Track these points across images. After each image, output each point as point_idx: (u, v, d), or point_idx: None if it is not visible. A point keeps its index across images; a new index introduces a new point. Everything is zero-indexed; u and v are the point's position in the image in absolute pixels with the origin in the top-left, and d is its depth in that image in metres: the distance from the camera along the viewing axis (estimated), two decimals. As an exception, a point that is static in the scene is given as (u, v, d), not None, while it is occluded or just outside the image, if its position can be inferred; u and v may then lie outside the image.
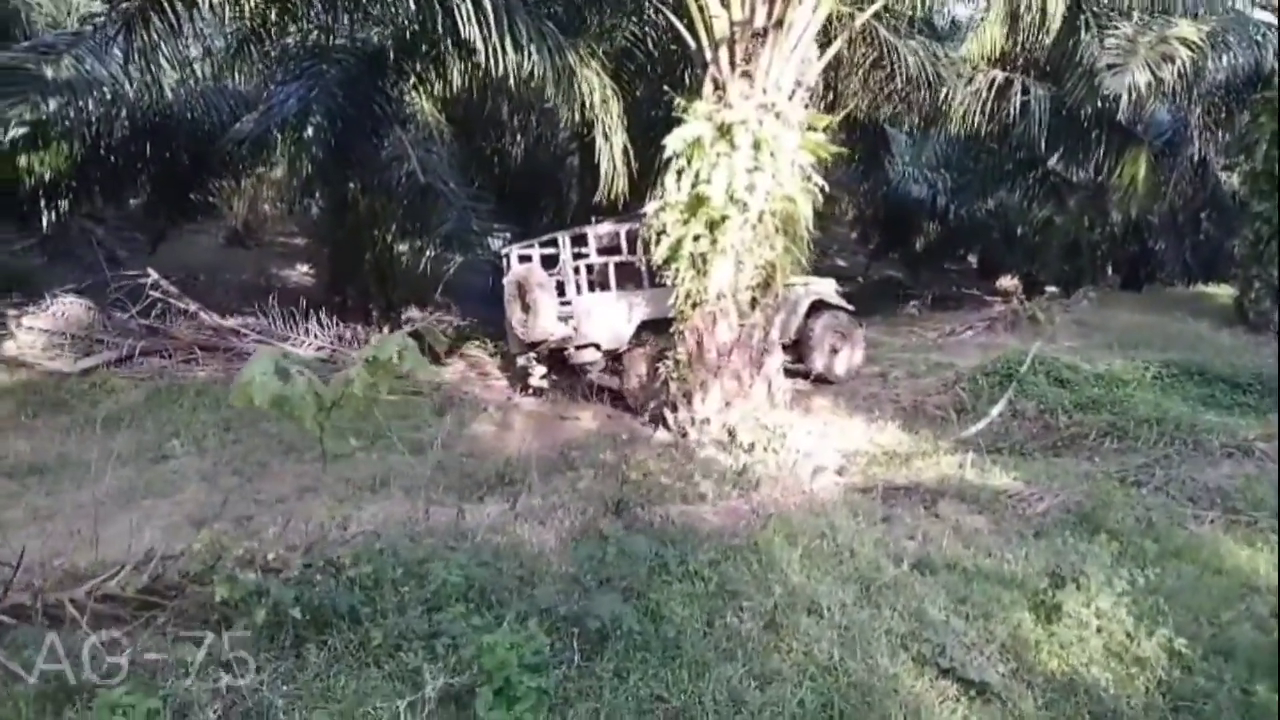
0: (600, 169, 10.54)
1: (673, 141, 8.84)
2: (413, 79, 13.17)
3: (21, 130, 11.28)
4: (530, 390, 11.57)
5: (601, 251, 11.19)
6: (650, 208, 9.45)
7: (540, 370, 11.43)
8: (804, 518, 5.92)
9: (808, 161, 8.98)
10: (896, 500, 6.76)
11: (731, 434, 8.59)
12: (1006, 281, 25.01)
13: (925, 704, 3.79)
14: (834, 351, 12.12)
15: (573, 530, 5.25)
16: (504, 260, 11.81)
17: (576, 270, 10.87)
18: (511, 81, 9.70)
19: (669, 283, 10.63)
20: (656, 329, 10.44)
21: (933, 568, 5.27)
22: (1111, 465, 8.07)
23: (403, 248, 15.59)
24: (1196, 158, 19.23)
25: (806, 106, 9.27)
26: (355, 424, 4.01)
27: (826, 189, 9.17)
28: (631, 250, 11.19)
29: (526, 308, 10.77)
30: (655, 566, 4.66)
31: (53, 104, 11.04)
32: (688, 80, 10.81)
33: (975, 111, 14.34)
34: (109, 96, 12.23)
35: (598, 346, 10.70)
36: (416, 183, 12.97)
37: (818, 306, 12.10)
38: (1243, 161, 18.92)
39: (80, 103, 11.62)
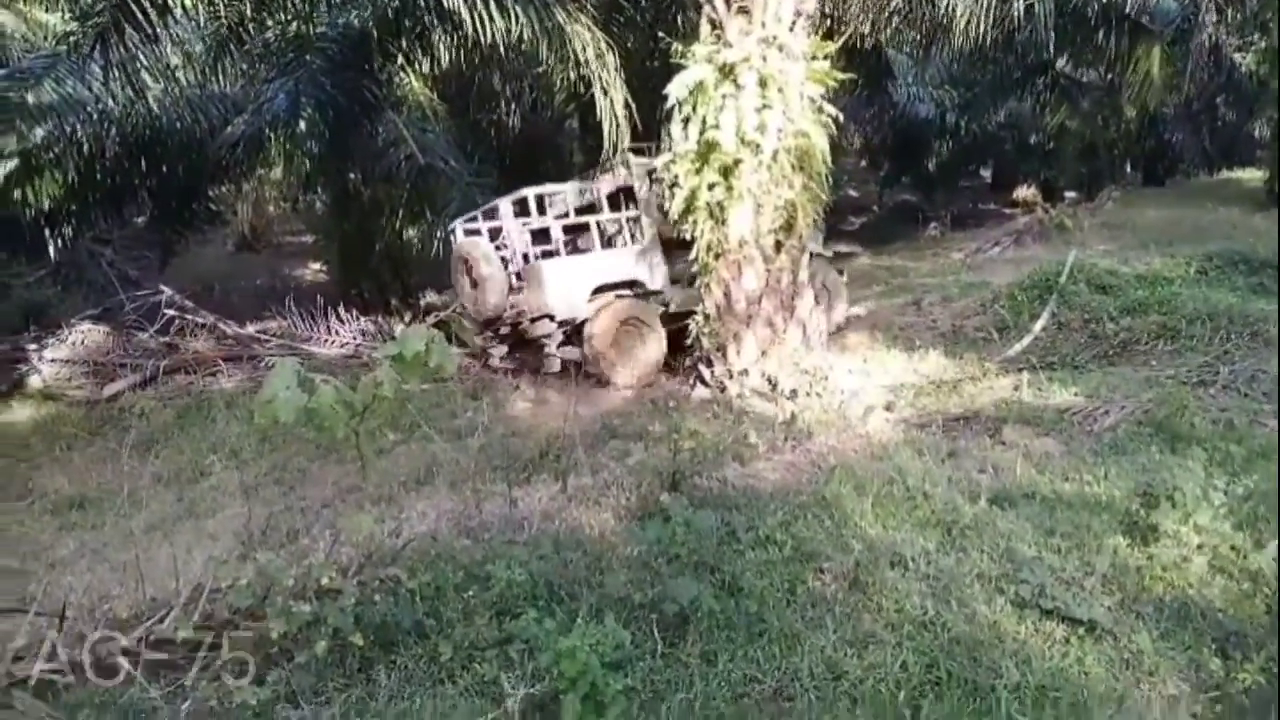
0: (602, 126, 10.21)
1: (675, 88, 8.48)
2: (400, 59, 12.81)
3: (12, 163, 11.07)
4: (495, 370, 10.82)
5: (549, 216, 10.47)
6: (659, 160, 9.12)
7: (500, 350, 10.65)
8: (867, 463, 5.68)
9: (817, 93, 8.61)
10: (958, 432, 6.51)
11: (772, 383, 8.34)
12: (1024, 192, 24.48)
13: (1034, 651, 3.56)
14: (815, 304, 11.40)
15: (630, 508, 5.03)
16: (451, 235, 10.98)
17: (524, 232, 10.22)
18: (502, 48, 9.36)
19: (625, 243, 10.53)
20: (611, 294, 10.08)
21: (1011, 500, 5.03)
22: (1170, 369, 7.78)
23: (412, 232, 15.31)
24: (1209, 43, 18.54)
25: (809, 36, 8.86)
26: (390, 418, 3.76)
27: (840, 117, 8.80)
28: (581, 213, 10.53)
29: (475, 284, 10.05)
30: (724, 536, 4.43)
31: (40, 131, 10.79)
32: (681, 25, 10.41)
33: (979, 20, 13.81)
34: (95, 116, 11.96)
35: (551, 317, 9.85)
36: (417, 164, 12.67)
37: None
38: (1258, 39, 18.33)
39: (67, 126, 11.36)
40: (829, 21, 13.17)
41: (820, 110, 8.58)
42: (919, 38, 15.12)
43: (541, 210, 10.43)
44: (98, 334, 12.00)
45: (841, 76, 8.89)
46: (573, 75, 10.20)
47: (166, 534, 6.05)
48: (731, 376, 8.73)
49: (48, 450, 9.44)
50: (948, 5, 13.28)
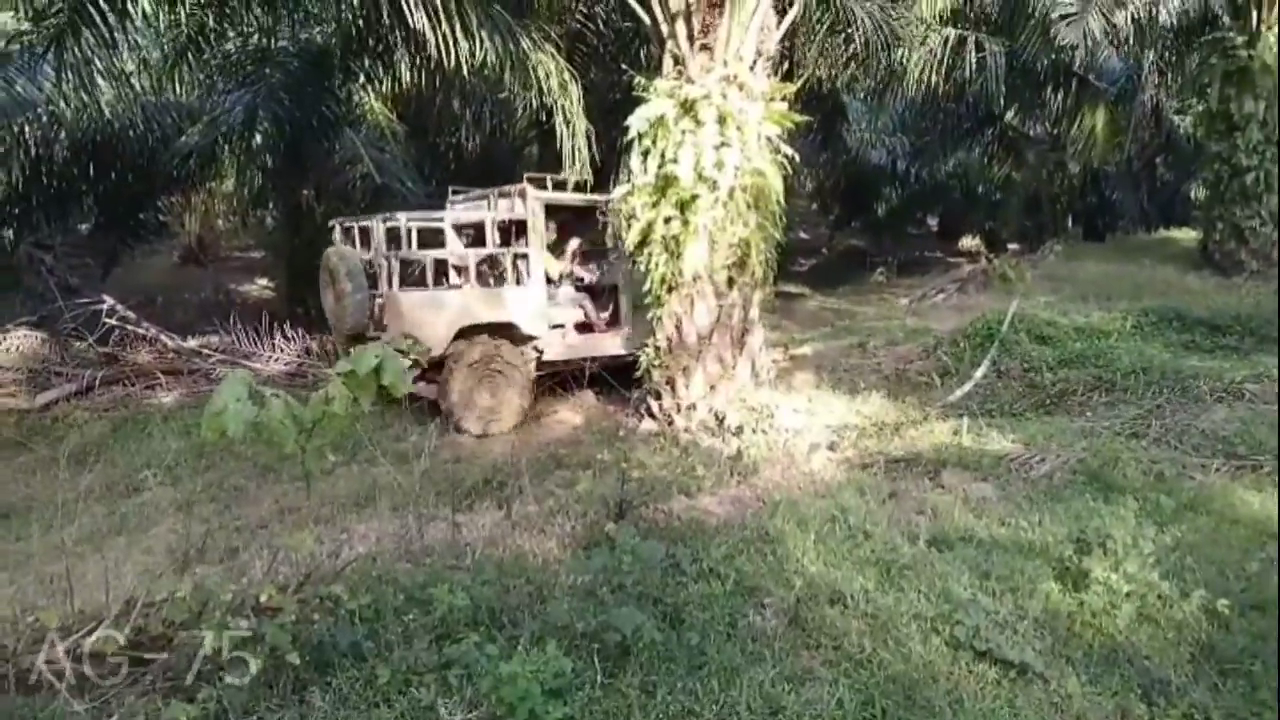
0: (561, 156, 10.28)
1: (636, 121, 8.58)
2: (361, 78, 12.78)
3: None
4: None
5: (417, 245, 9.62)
6: (617, 192, 9.19)
7: None
8: (810, 500, 5.74)
9: (775, 133, 8.77)
10: (898, 474, 6.61)
11: (719, 418, 8.41)
12: (968, 242, 25.07)
13: (967, 691, 3.61)
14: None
15: (575, 536, 5.02)
16: (331, 233, 10.15)
17: (388, 262, 9.19)
18: (465, 71, 9.40)
19: (507, 281, 9.81)
20: (483, 335, 9.44)
21: (949, 543, 5.12)
22: (1104, 420, 7.99)
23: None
24: (1150, 104, 19.27)
25: (769, 77, 9.04)
26: (340, 436, 3.72)
27: (796, 158, 8.97)
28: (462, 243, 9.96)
29: (337, 298, 9.40)
30: (669, 568, 4.44)
31: (-15, 130, 10.59)
32: (644, 59, 10.56)
33: (931, 72, 14.20)
34: (44, 118, 11.74)
35: (404, 353, 9.29)
36: (372, 184, 12.64)
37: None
38: (1196, 103, 19.04)
39: (15, 126, 11.13)
40: (788, 64, 13.49)
41: (777, 150, 8.74)
42: (873, 85, 15.54)
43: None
44: (34, 340, 11.68)
45: (799, 118, 9.06)
46: (535, 103, 10.25)
47: (97, 547, 5.90)
48: (679, 410, 8.77)
49: (-26, 458, 9.16)
50: (902, 55, 13.69)
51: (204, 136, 12.76)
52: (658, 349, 9.00)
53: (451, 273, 9.94)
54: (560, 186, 10.22)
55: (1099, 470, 6.17)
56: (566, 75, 9.75)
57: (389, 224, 9.26)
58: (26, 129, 11.63)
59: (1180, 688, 3.68)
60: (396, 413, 9.29)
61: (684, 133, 8.44)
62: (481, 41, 8.81)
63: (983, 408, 8.80)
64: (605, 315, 10.73)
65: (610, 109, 11.03)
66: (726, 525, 5.24)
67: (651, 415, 9.04)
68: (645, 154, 8.67)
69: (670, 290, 8.78)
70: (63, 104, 11.71)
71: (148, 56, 13.66)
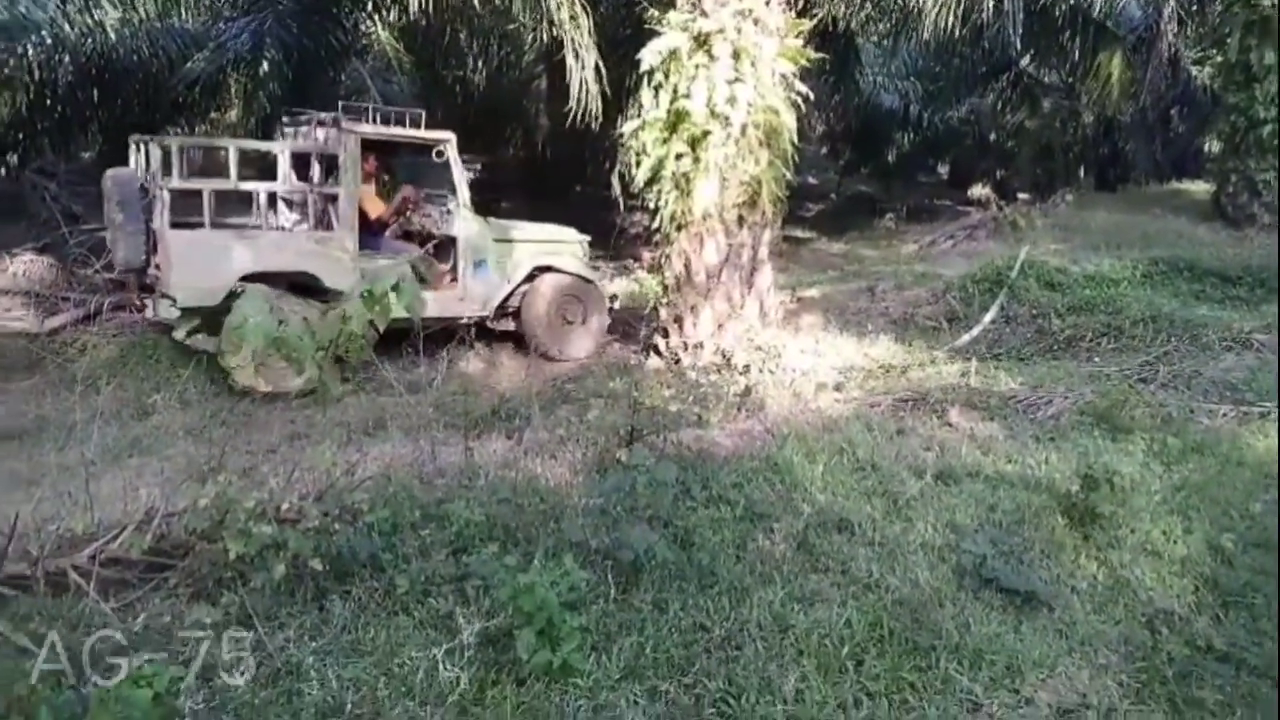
0: (570, 91, 10.14)
1: (648, 55, 8.48)
2: (369, 6, 12.58)
3: (-41, 81, 10.73)
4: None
5: (197, 174, 8.52)
6: (628, 128, 9.11)
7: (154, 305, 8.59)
8: (818, 434, 5.79)
9: (789, 70, 8.67)
10: (905, 412, 6.64)
11: (726, 357, 8.44)
12: (979, 190, 24.84)
13: (973, 616, 3.68)
14: (567, 323, 9.59)
15: (586, 462, 5.08)
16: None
17: (161, 191, 7.80)
18: (476, 1, 9.24)
19: (300, 225, 8.56)
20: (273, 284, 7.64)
21: (956, 478, 5.17)
22: (1112, 365, 8.01)
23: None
24: (1168, 53, 18.94)
25: (784, 12, 8.90)
26: (358, 355, 3.72)
27: (811, 97, 8.88)
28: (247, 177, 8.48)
29: (109, 226, 8.36)
30: (679, 494, 4.50)
31: (-10, 52, 10.47)
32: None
33: (948, 14, 13.94)
34: (49, 41, 11.58)
35: (174, 301, 7.87)
36: (379, 115, 12.47)
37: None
38: (1215, 54, 18.76)
39: (20, 48, 10.98)
40: (802, 1, 13.25)
41: (791, 88, 8.65)
42: (889, 26, 15.28)
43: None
44: (41, 265, 11.63)
45: (814, 55, 8.95)
46: (544, 36, 10.09)
47: (112, 466, 5.96)
48: (686, 349, 8.79)
49: (-17, 380, 9.19)
50: (919, -4, 13.42)
51: (210, 63, 12.58)
52: (665, 287, 9.00)
53: (264, 210, 8.42)
54: (389, 119, 8.96)
55: (1107, 412, 6.19)
56: (578, 6, 9.57)
57: (162, 145, 8.01)
58: (30, 51, 11.46)
59: (1184, 618, 3.75)
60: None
61: (697, 67, 8.35)
62: (493, -31, 8.66)
63: (991, 351, 8.83)
64: (442, 271, 9.27)
65: (621, 43, 10.85)
66: (735, 455, 5.30)
67: (658, 353, 9.07)
68: (657, 89, 8.59)
69: (680, 228, 8.75)
70: (67, 26, 11.54)
71: (154, -21, 13.48)
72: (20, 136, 12.97)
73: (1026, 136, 21.25)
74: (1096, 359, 8.36)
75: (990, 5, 14.13)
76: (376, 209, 9.16)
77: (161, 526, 3.59)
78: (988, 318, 9.66)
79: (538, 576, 3.13)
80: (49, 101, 12.62)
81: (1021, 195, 22.16)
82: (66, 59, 12.47)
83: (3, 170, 13.36)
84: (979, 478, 5.17)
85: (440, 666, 3.13)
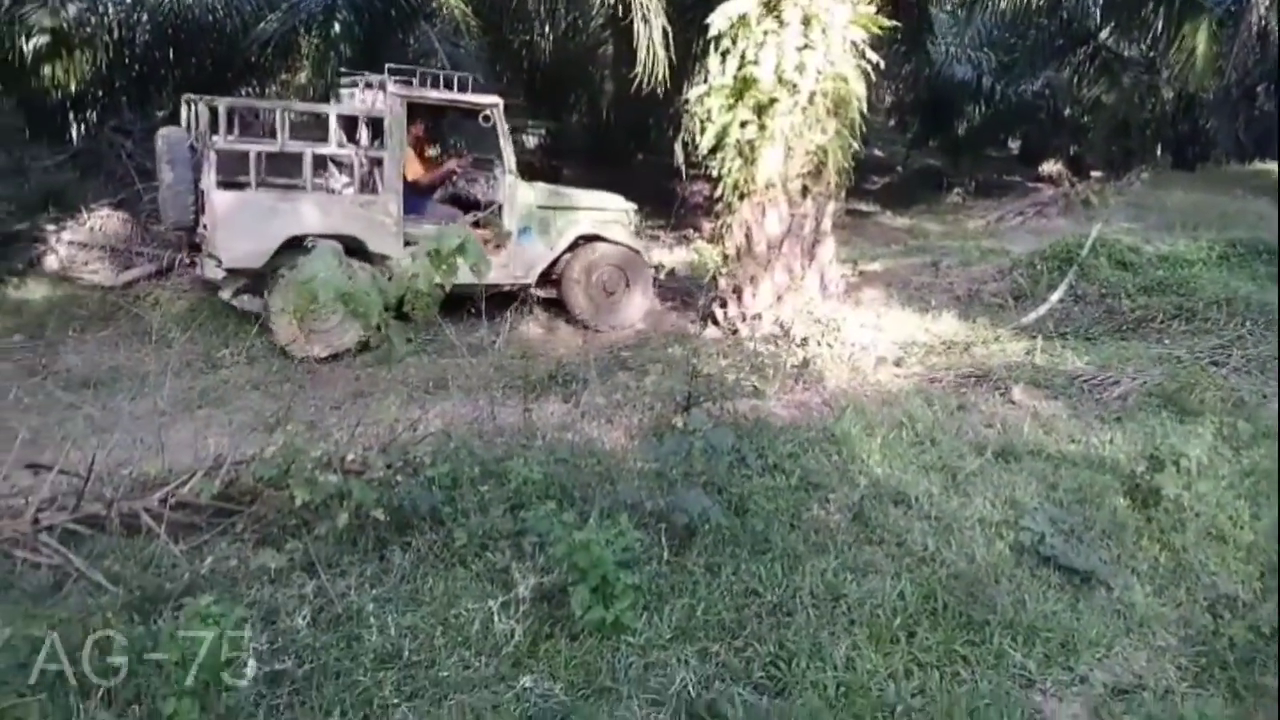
0: (636, 56, 10.07)
1: (716, 19, 8.39)
2: (439, -32, 12.61)
3: (44, 39, 10.97)
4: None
5: (244, 134, 8.49)
6: (693, 94, 9.03)
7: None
8: (877, 408, 5.75)
9: (860, 37, 8.52)
10: (967, 389, 6.56)
11: (784, 329, 8.38)
12: (1050, 166, 24.25)
13: (1029, 593, 3.65)
14: (608, 294, 9.40)
15: (642, 427, 5.11)
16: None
17: (208, 151, 7.88)
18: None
19: (348, 188, 8.56)
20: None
21: (1017, 455, 5.10)
22: (1183, 347, 7.80)
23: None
24: (1258, 26, 18.23)
25: (857, -22, 8.73)
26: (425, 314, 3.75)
27: (881, 66, 8.72)
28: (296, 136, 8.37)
29: (159, 185, 8.45)
30: (734, 461, 4.51)
31: (72, 9, 10.66)
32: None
33: (1026, -18, 13.63)
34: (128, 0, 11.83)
35: (219, 261, 8.00)
36: (447, 79, 12.54)
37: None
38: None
39: (100, 6, 11.23)
40: (876, -31, 12.99)
41: (861, 55, 8.50)
42: (964, -5, 14.93)
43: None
44: (116, 221, 11.95)
45: (886, 23, 8.78)
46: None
47: (182, 414, 6.14)
48: (745, 320, 8.75)
49: (61, 330, 9.50)
50: (996, -37, 13.10)
51: (283, 24, 12.72)
52: (726, 256, 8.95)
53: (309, 172, 8.32)
54: (438, 83, 8.96)
55: (1175, 394, 6.06)
56: (648, -32, 9.48)
57: (210, 105, 8.04)
58: (110, 10, 11.71)
59: (1248, 604, 3.67)
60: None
61: (766, 33, 8.24)
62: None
63: (1057, 330, 8.65)
64: (487, 237, 9.00)
65: (689, 8, 10.73)
66: (792, 425, 5.29)
67: (716, 323, 9.04)
68: (724, 54, 8.50)
69: (742, 197, 8.68)
70: (146, -17, 11.77)
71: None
72: (99, 94, 13.27)
73: (1103, 112, 20.63)
74: (1167, 341, 8.15)
75: (1071, -26, 13.77)
76: (418, 173, 9.14)
77: (230, 473, 3.70)
78: (1055, 296, 9.45)
79: (593, 534, 3.17)
80: (126, 60, 12.90)
81: (1095, 173, 21.58)
82: (145, 18, 12.73)
83: (83, 127, 13.68)
84: (1041, 456, 5.10)
85: (495, 619, 3.20)
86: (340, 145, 8.40)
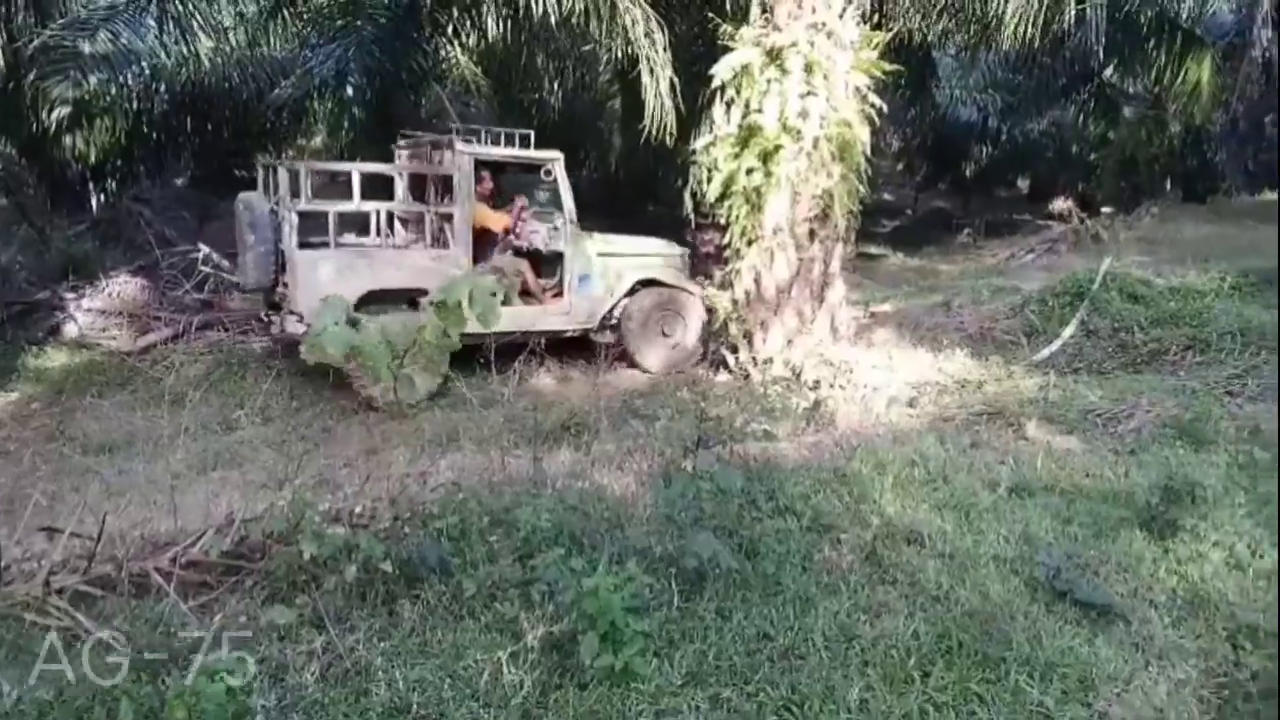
0: (644, 110, 10.22)
1: (720, 70, 8.55)
2: (449, 30, 12.88)
3: (65, 110, 11.26)
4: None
5: (319, 194, 8.77)
6: (699, 143, 9.15)
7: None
8: (889, 447, 5.73)
9: (863, 83, 8.62)
10: (980, 426, 6.53)
11: (796, 372, 8.38)
12: (1060, 204, 24.29)
13: (1045, 629, 3.59)
14: (664, 336, 9.76)
15: (652, 472, 5.10)
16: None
17: (288, 213, 8.26)
18: (553, 20, 9.39)
19: (416, 244, 8.92)
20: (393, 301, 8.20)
21: (1030, 491, 5.06)
22: (1197, 379, 7.76)
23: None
24: (1261, 59, 18.31)
25: (858, 25, 8.86)
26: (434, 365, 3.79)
27: (885, 110, 8.81)
28: (370, 195, 8.80)
29: (240, 248, 8.72)
30: (744, 504, 4.50)
31: (93, 80, 10.94)
32: (731, 8, 10.39)
33: (1028, 25, 13.71)
34: (147, 70, 12.13)
35: (301, 317, 8.18)
36: (458, 139, 12.75)
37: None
38: (1312, 59, 18.05)
39: (120, 77, 11.53)
40: (878, 15, 13.18)
41: (865, 100, 8.60)
42: (967, 38, 15.06)
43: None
44: (134, 286, 12.14)
45: (889, 67, 8.88)
46: (619, 54, 10.20)
47: (196, 478, 6.19)
48: (756, 364, 8.77)
49: (79, 395, 9.60)
50: (997, 6, 13.21)
51: (296, 89, 13.01)
52: (735, 302, 8.99)
53: (382, 229, 8.78)
54: (499, 140, 9.34)
55: (1190, 425, 6.01)
56: (654, 23, 9.65)
57: (290, 169, 8.37)
58: (129, 80, 12.02)
59: (1270, 633, 3.60)
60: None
61: (769, 81, 8.38)
62: (569, -11, 8.82)
63: (1070, 365, 8.63)
64: (549, 285, 9.65)
65: (694, 60, 10.91)
66: (803, 466, 5.28)
67: (727, 369, 9.07)
68: (729, 103, 8.64)
69: (750, 243, 8.76)
70: (164, 55, 12.06)
71: (244, 9, 13.97)
72: (118, 164, 13.57)
73: (1110, 148, 20.71)
74: (1181, 373, 8.11)
75: (1072, 14, 13.85)
76: (499, 223, 9.44)
77: (240, 530, 3.72)
78: (1068, 331, 9.43)
79: (602, 580, 3.16)
80: (145, 129, 13.20)
81: (1105, 209, 21.61)
82: (162, 88, 13.04)
83: (102, 197, 13.97)
84: (1055, 491, 5.06)
85: (505, 669, 3.18)
86: (411, 202, 8.90)
